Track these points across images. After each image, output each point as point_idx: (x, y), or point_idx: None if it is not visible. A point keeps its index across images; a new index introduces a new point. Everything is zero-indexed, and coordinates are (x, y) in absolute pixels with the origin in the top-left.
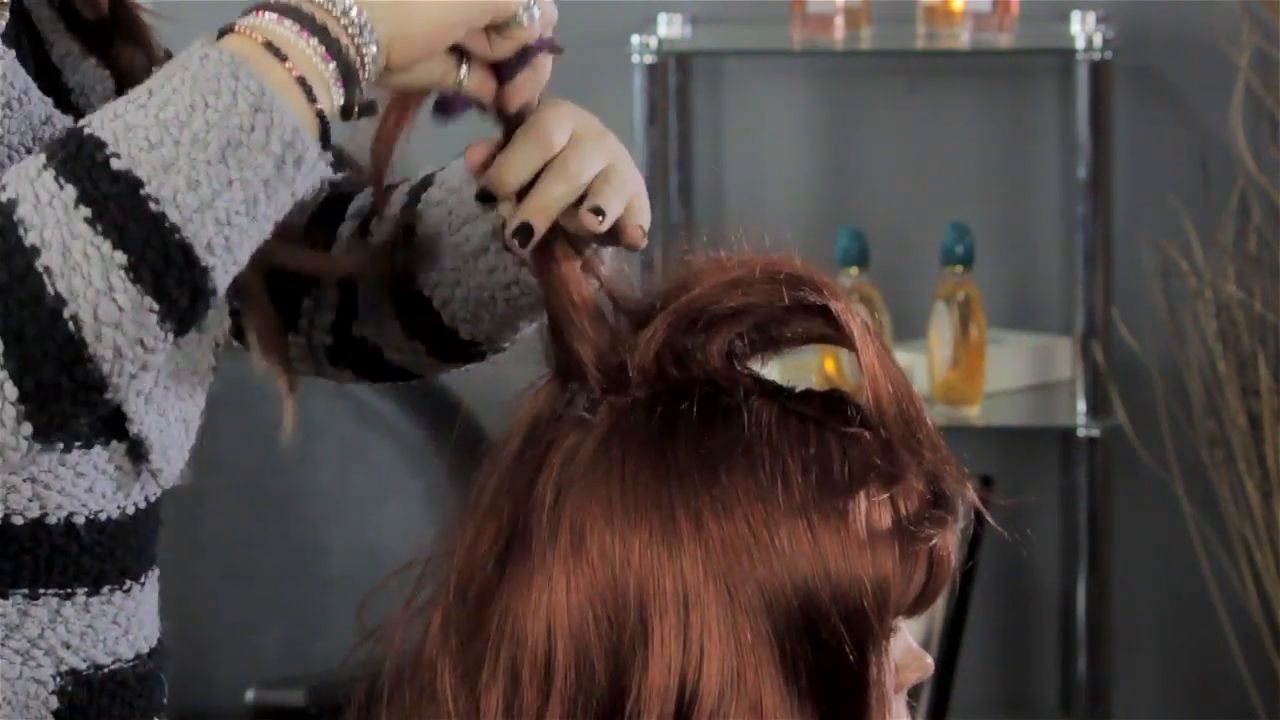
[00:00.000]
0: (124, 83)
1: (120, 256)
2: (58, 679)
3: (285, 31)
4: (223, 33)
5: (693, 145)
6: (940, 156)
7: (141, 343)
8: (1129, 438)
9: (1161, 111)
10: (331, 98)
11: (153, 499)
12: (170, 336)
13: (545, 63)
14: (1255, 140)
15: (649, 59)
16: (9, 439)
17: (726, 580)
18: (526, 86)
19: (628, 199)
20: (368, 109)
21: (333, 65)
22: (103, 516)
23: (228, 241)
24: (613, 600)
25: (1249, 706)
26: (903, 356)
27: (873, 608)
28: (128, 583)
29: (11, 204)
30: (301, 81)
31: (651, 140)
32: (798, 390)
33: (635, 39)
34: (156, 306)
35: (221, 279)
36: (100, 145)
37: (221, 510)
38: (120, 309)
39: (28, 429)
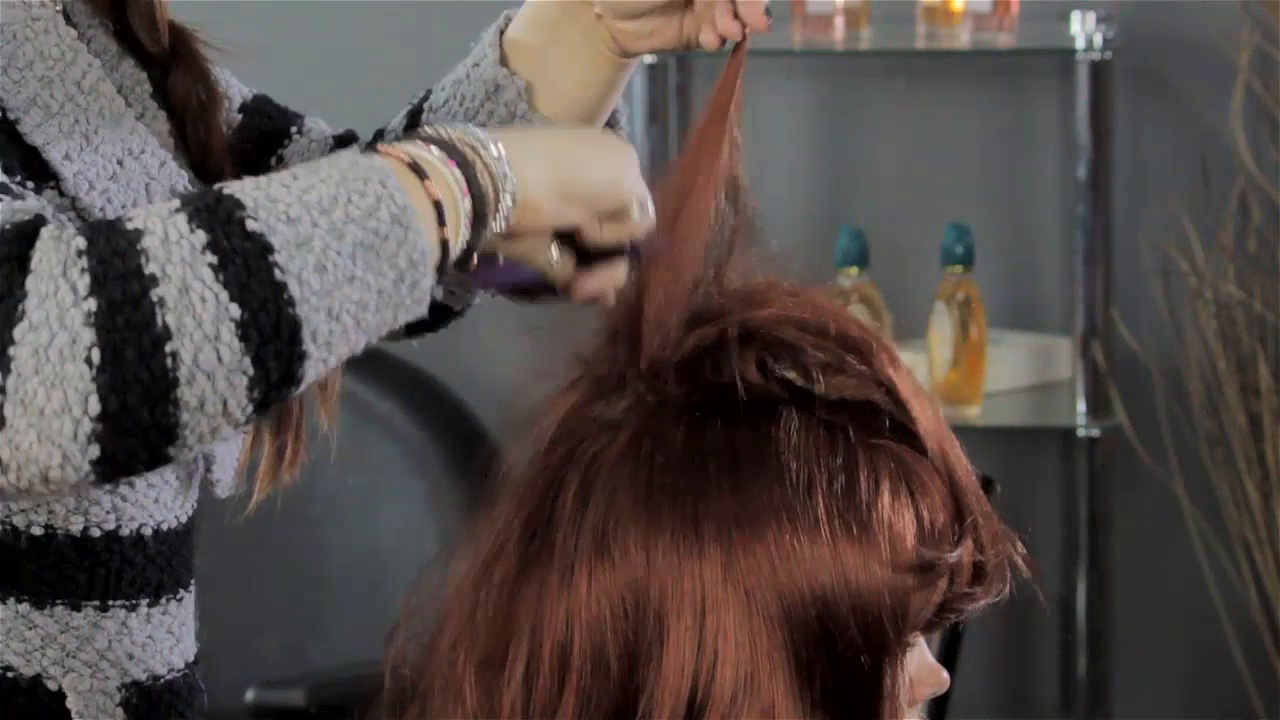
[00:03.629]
0: (179, 114)
1: (235, 310)
2: (122, 690)
3: (431, 157)
4: (369, 148)
5: None
6: (940, 156)
7: (225, 404)
8: (1129, 438)
9: (1161, 111)
10: (459, 230)
11: (197, 506)
12: (250, 409)
13: (624, 266)
14: (1255, 140)
15: (649, 59)
16: (75, 455)
17: (745, 585)
18: (602, 281)
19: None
20: (488, 261)
21: (468, 201)
22: (165, 526)
23: (330, 336)
24: (632, 599)
25: (1249, 706)
26: (903, 357)
27: (890, 621)
28: (180, 591)
29: (138, 233)
30: (437, 205)
31: (651, 140)
32: (831, 399)
33: None
34: (251, 371)
35: (311, 372)
36: (239, 205)
37: (221, 511)
38: (219, 360)
39: (94, 452)
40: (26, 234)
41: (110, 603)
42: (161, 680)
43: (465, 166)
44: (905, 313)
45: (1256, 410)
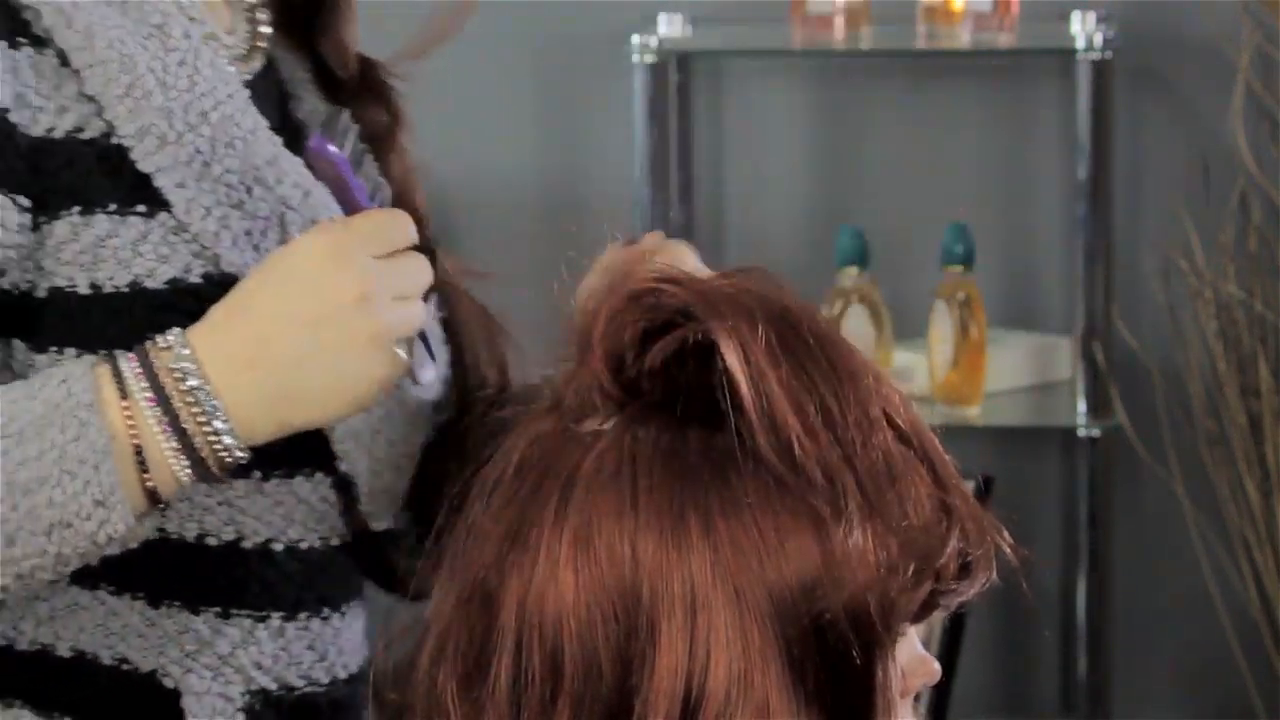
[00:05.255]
0: (369, 142)
1: None
2: (246, 696)
3: (142, 407)
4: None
5: (693, 145)
6: (940, 156)
7: None
8: (1129, 438)
9: (1161, 111)
10: (170, 469)
11: (359, 534)
12: None
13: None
14: (1255, 140)
15: (649, 59)
16: None
17: (735, 583)
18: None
19: None
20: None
21: (173, 440)
22: (303, 545)
23: (20, 583)
24: (621, 601)
25: (1249, 706)
26: (903, 356)
27: (879, 613)
28: (326, 611)
29: None
30: (137, 450)
31: (651, 140)
32: None
33: (635, 39)
34: None
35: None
36: None
37: None
38: None
39: None
40: None
41: (234, 611)
42: (295, 692)
43: (166, 404)
44: (905, 312)
45: (1256, 410)
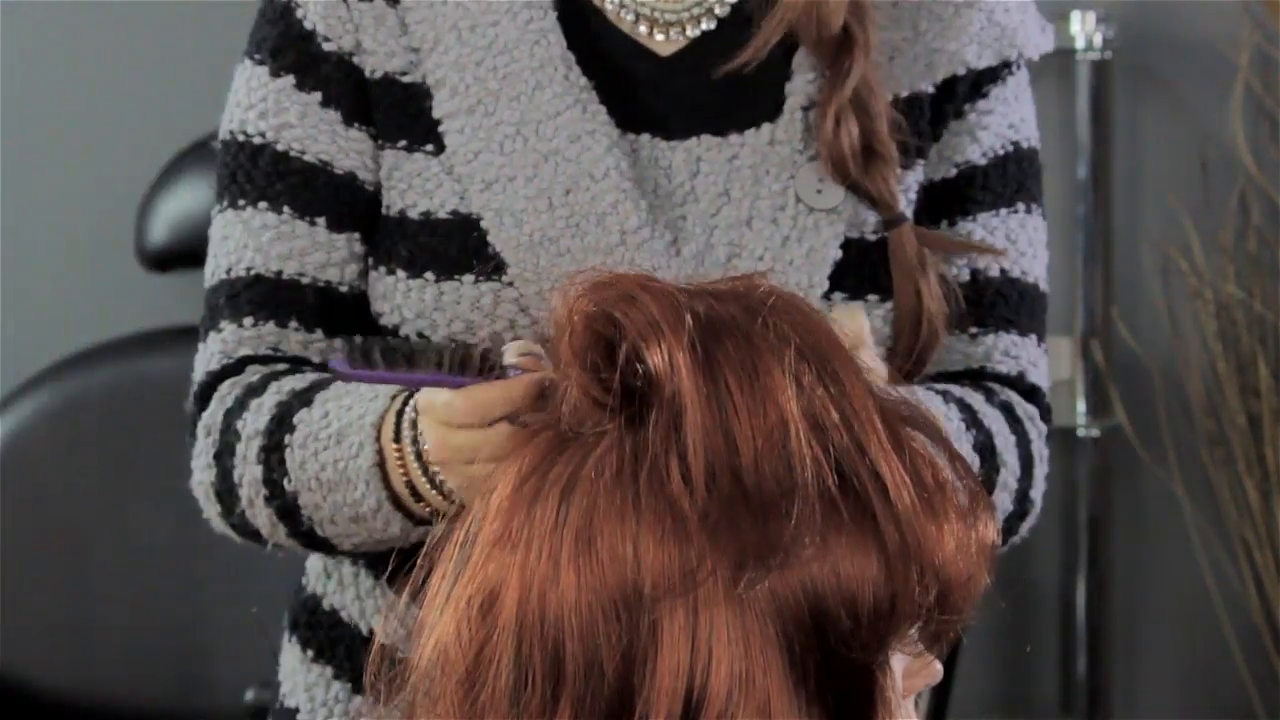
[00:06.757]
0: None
1: (283, 527)
2: None
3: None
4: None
5: None
6: None
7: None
8: (1129, 438)
9: (1161, 111)
10: (436, 498)
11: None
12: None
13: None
14: (1255, 140)
15: None
16: (221, 527)
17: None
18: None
19: None
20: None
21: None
22: None
23: (361, 548)
24: (623, 601)
25: (1249, 706)
26: None
27: (883, 615)
28: None
29: (235, 440)
30: (409, 486)
31: None
32: None
33: None
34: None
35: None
36: (283, 463)
37: None
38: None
39: (230, 532)
40: (201, 396)
41: None
42: None
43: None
44: None
45: (1256, 410)
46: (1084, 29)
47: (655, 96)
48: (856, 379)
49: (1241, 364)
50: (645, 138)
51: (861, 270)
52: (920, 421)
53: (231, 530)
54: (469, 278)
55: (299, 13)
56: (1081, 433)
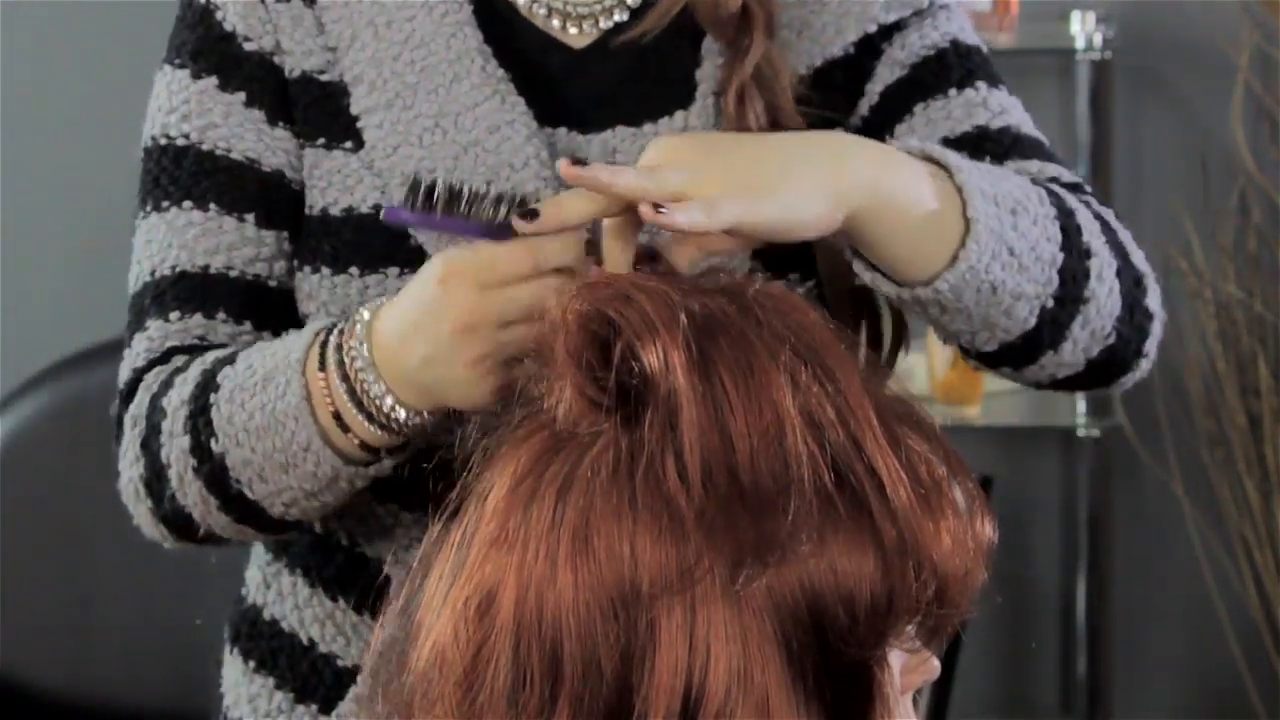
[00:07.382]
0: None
1: (214, 502)
2: None
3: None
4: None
5: None
6: None
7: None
8: (1129, 438)
9: (1161, 111)
10: (365, 429)
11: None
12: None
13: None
14: (1255, 140)
15: None
16: (151, 527)
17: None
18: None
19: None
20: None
21: (357, 412)
22: None
23: (291, 510)
24: (620, 599)
25: (1249, 706)
26: (902, 357)
27: (880, 611)
28: None
29: (161, 419)
30: (336, 417)
31: None
32: None
33: None
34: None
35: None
36: (210, 426)
37: None
38: (205, 512)
39: (163, 526)
40: (126, 394)
41: None
42: None
43: (346, 380)
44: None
45: (1256, 410)
46: (1084, 29)
47: (570, 90)
48: (852, 376)
49: (1241, 364)
50: (562, 131)
51: (783, 249)
52: (916, 418)
53: (164, 526)
54: (394, 269)
55: (218, 15)
56: (1081, 433)
